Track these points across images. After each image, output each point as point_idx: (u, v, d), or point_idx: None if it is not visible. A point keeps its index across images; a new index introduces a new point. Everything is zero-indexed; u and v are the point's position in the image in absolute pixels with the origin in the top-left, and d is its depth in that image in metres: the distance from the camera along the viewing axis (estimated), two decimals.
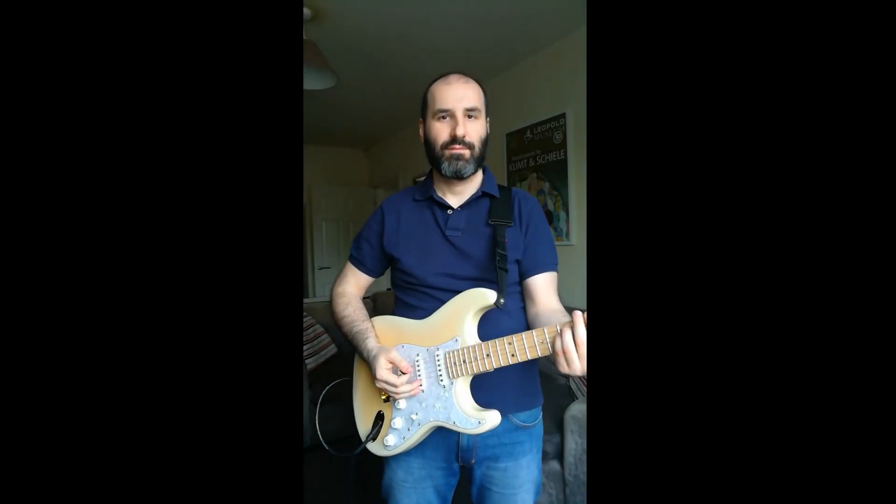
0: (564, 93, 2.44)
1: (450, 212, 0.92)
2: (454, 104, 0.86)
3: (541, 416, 0.95)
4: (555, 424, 1.66)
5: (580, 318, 0.65)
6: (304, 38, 2.00)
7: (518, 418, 0.89)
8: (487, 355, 0.76)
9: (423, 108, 0.92)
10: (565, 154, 2.44)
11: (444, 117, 0.87)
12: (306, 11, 2.02)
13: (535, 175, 2.67)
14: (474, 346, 0.78)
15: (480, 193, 0.92)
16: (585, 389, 1.82)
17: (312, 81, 2.09)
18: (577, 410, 1.56)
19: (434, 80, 0.91)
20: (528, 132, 2.69)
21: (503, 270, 0.84)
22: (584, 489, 1.52)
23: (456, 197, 0.93)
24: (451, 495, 0.95)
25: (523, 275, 0.91)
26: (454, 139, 0.86)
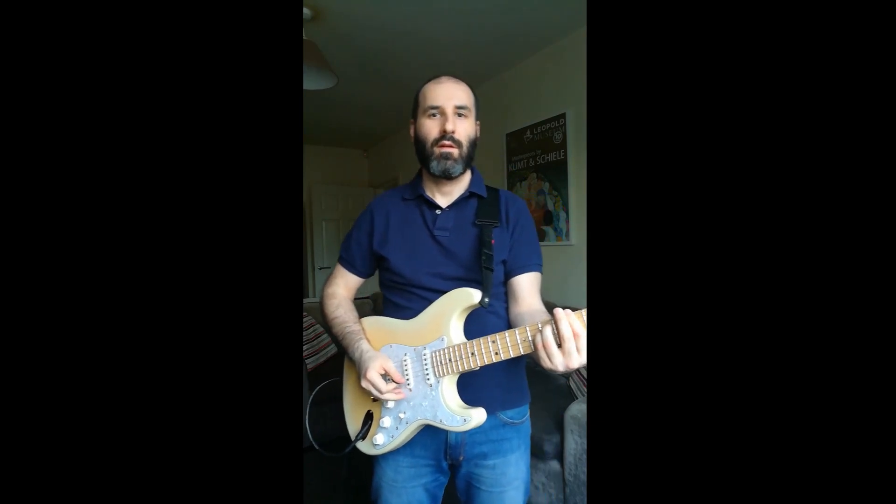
0: (564, 93, 2.44)
1: (438, 211, 0.92)
2: (444, 101, 0.87)
3: (528, 414, 0.96)
4: (555, 424, 1.66)
5: (562, 315, 0.65)
6: (304, 38, 2.00)
7: (505, 415, 0.90)
8: (472, 354, 0.77)
9: (414, 109, 0.93)
10: (565, 154, 2.44)
11: (434, 114, 0.88)
12: (306, 11, 2.02)
13: (534, 175, 2.67)
14: (460, 345, 0.79)
15: (468, 193, 0.93)
16: (585, 389, 1.82)
17: (312, 81, 2.09)
18: (577, 410, 1.56)
19: (426, 82, 0.92)
20: (528, 132, 2.69)
21: (488, 270, 0.85)
22: (584, 489, 1.52)
23: (445, 197, 0.94)
24: (441, 494, 0.95)
25: (507, 274, 0.91)
26: (443, 135, 0.86)
